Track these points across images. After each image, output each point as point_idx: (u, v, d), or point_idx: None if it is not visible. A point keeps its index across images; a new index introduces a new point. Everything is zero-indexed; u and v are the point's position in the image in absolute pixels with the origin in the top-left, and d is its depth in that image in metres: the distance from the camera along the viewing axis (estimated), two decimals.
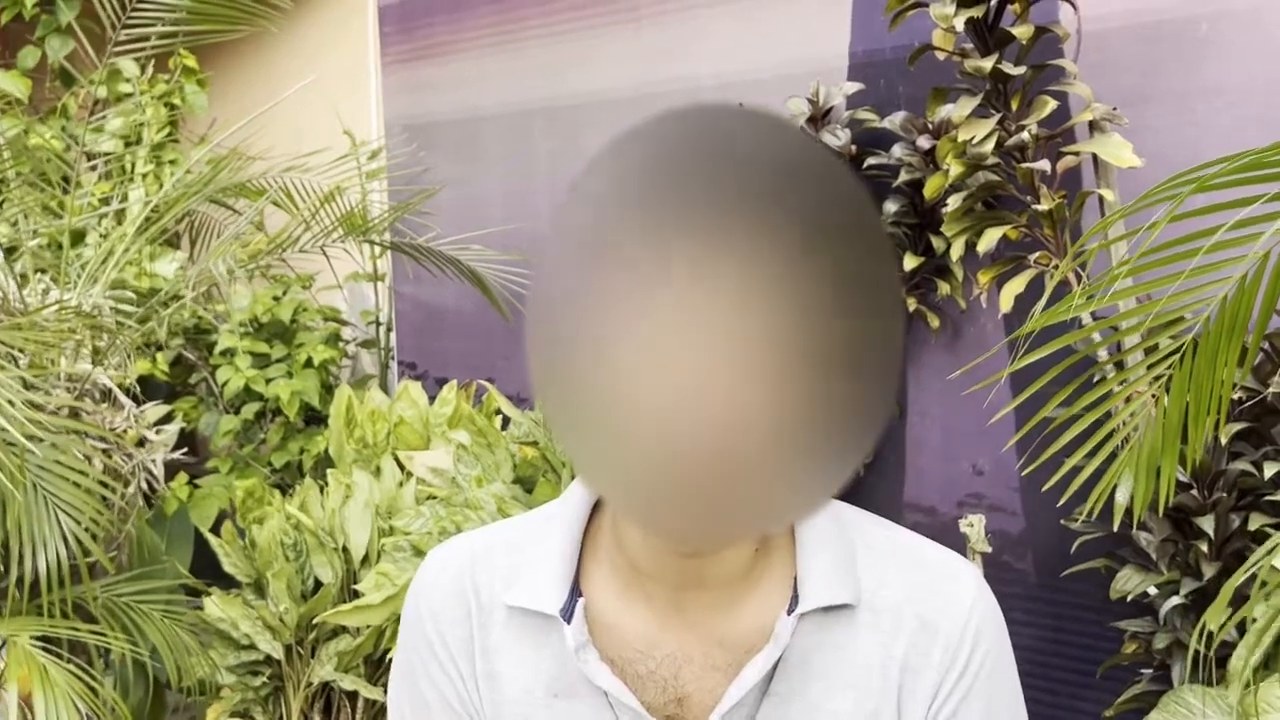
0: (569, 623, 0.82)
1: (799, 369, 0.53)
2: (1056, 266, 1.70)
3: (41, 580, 1.83)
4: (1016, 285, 1.72)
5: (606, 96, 2.81)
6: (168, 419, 3.49)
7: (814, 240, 0.53)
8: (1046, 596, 2.13)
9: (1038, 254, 1.74)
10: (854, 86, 2.17)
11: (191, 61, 3.78)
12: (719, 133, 0.55)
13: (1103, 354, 1.69)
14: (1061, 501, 1.61)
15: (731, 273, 0.52)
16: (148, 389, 3.69)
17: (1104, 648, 2.00)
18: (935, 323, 2.15)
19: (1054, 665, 2.08)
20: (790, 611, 0.80)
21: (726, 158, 0.54)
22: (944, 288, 2.10)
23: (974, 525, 1.90)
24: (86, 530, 1.89)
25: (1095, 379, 1.69)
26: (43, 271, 2.51)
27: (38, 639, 1.84)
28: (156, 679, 2.49)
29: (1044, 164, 1.66)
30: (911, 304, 2.13)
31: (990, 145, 1.69)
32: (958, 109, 1.73)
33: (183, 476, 3.26)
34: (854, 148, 2.13)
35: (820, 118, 2.16)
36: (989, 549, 1.91)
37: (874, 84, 2.23)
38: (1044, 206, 1.69)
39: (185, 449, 3.64)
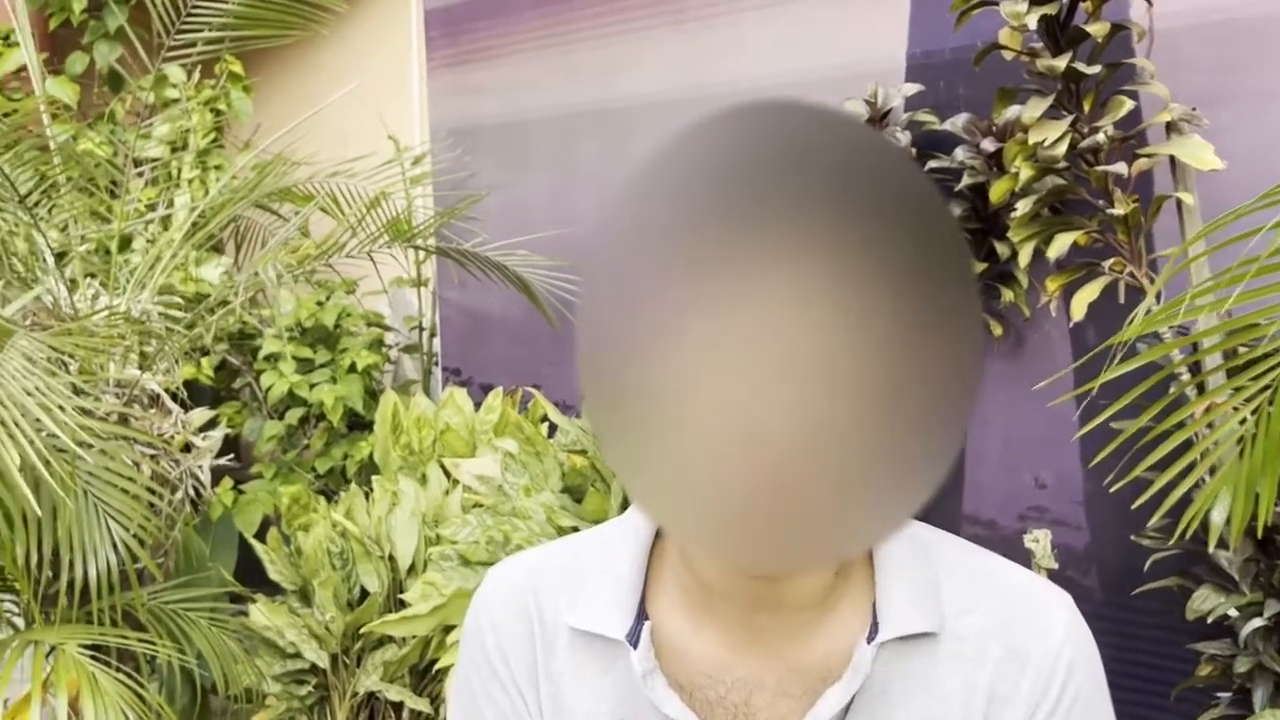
0: (635, 647, 0.79)
1: (878, 382, 0.50)
2: (1131, 274, 1.63)
3: (91, 587, 1.81)
4: (1089, 293, 1.66)
5: (654, 99, 2.77)
6: (212, 424, 3.49)
7: (893, 245, 0.50)
8: (1114, 615, 2.06)
9: (1111, 260, 1.68)
10: (913, 88, 2.11)
11: (237, 67, 3.78)
12: (791, 130, 0.51)
13: (1180, 363, 1.62)
14: (1138, 507, 1.54)
15: (808, 279, 0.49)
16: (193, 394, 3.70)
17: (1176, 669, 1.93)
18: (998, 330, 2.09)
19: (1123, 686, 2.01)
20: (870, 639, 0.76)
21: (801, 157, 0.51)
22: (1007, 294, 2.03)
23: (1039, 541, 1.83)
24: (135, 537, 1.87)
25: (1171, 390, 1.62)
26: (92, 276, 2.51)
27: (86, 646, 1.83)
28: (202, 686, 2.47)
29: (1120, 167, 1.60)
30: None
31: (1063, 148, 1.63)
32: (1028, 110, 1.67)
33: (227, 482, 3.25)
34: (914, 150, 2.07)
35: (879, 119, 2.10)
36: (1055, 565, 1.84)
37: (933, 85, 2.17)
38: (1119, 211, 1.62)
39: (230, 454, 3.65)
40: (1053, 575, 2.05)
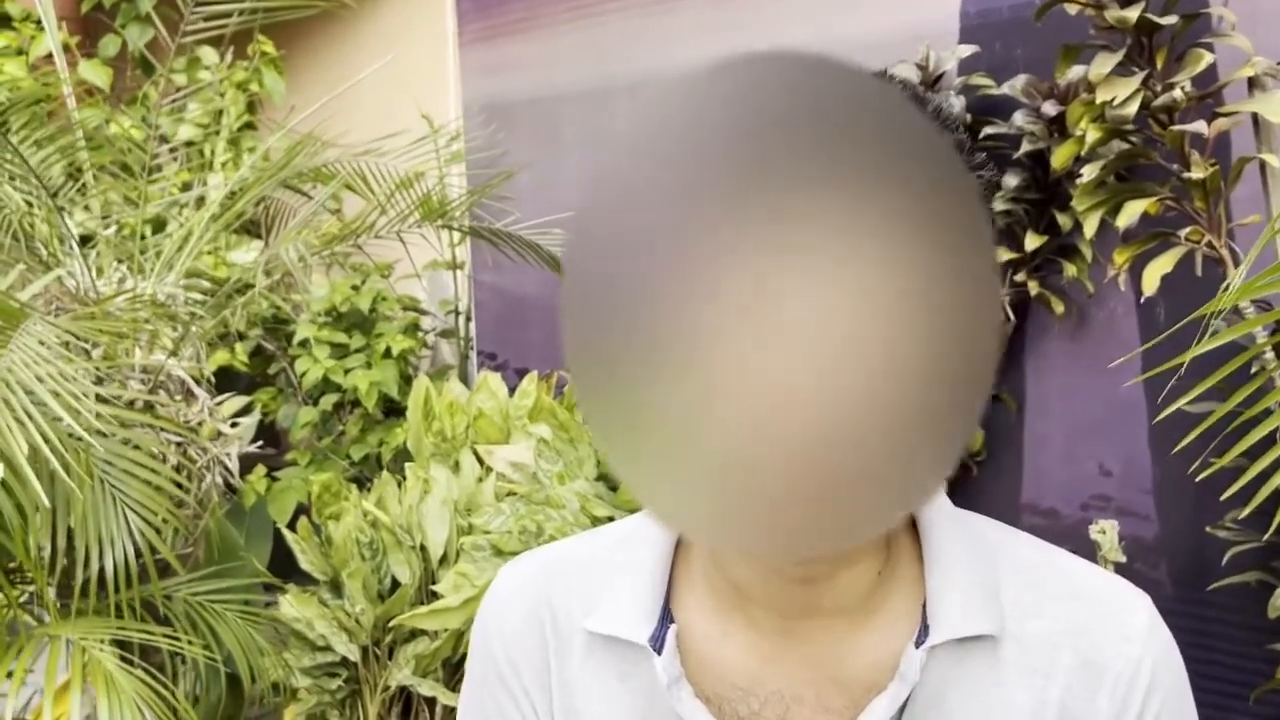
0: (659, 653, 0.72)
1: (896, 349, 0.46)
2: (1210, 244, 1.50)
3: (109, 580, 1.75)
4: (1163, 265, 1.53)
5: None
6: (247, 410, 3.45)
7: (906, 201, 0.46)
8: (1187, 611, 1.92)
9: (1187, 230, 1.54)
10: (968, 49, 1.98)
11: (269, 47, 3.72)
12: (788, 82, 0.47)
13: (1262, 336, 1.49)
14: (1217, 497, 1.42)
15: (818, 241, 0.45)
16: (228, 380, 3.66)
17: (1255, 669, 1.80)
18: (1059, 308, 1.96)
19: (1197, 688, 1.87)
20: (920, 644, 0.69)
21: (801, 110, 0.46)
22: (1069, 269, 1.90)
23: (1105, 532, 1.71)
24: (154, 528, 1.81)
25: (1253, 370, 1.49)
26: (120, 261, 2.45)
27: (108, 641, 1.77)
28: (235, 675, 2.42)
29: (1199, 126, 1.46)
30: (1034, 288, 1.94)
31: (1134, 107, 1.50)
32: (1095, 67, 1.54)
33: (260, 469, 3.20)
34: (969, 116, 1.94)
35: (931, 84, 1.97)
36: (1123, 558, 1.72)
37: (989, 46, 2.04)
38: (1196, 175, 1.49)
39: (263, 441, 3.60)
40: (1120, 569, 1.92)
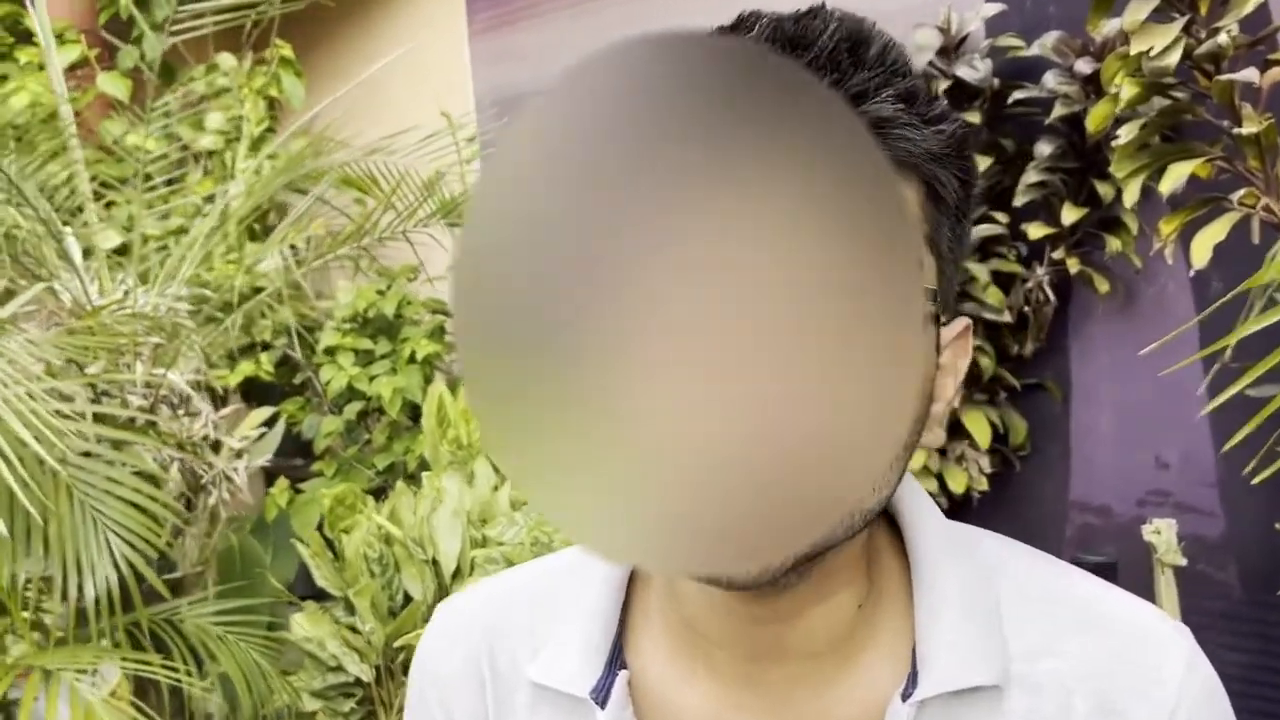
0: (603, 706, 0.63)
1: (812, 339, 0.43)
2: (1267, 208, 1.33)
3: (91, 607, 1.67)
4: (1214, 233, 1.36)
5: None
6: (272, 421, 3.39)
7: (807, 183, 0.43)
8: (1254, 615, 1.74)
9: (1241, 193, 1.37)
10: (994, 8, 1.82)
11: (288, 51, 3.66)
12: (688, 66, 0.43)
13: None
14: None
15: (721, 229, 0.43)
16: (255, 391, 3.60)
17: None
18: (1104, 286, 1.79)
19: (1264, 697, 1.69)
20: (907, 696, 0.59)
21: (688, 92, 0.43)
22: (1113, 243, 1.73)
23: (1161, 532, 1.54)
24: (145, 553, 1.72)
25: None
26: (120, 272, 2.38)
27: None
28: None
29: (1249, 74, 1.29)
30: (1074, 265, 1.78)
31: (1175, 56, 1.33)
32: (1130, 14, 1.37)
33: (283, 482, 3.13)
34: (996, 81, 1.78)
35: (953, 48, 1.82)
36: (1182, 561, 1.55)
37: (1018, 5, 1.87)
38: (1249, 130, 1.32)
39: (292, 453, 3.54)
40: (1182, 572, 1.74)
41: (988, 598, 0.62)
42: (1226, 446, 1.37)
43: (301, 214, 2.34)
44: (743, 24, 0.62)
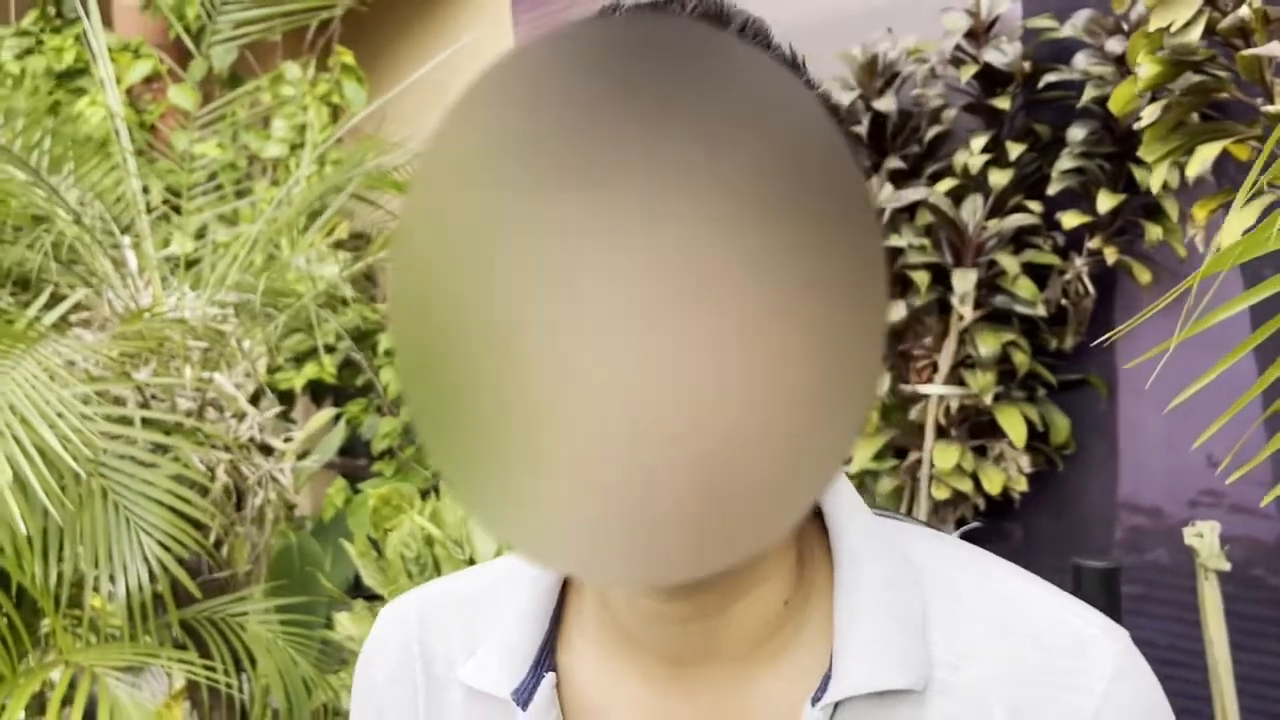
0: (524, 708, 0.62)
1: (763, 342, 0.41)
2: None
3: (122, 606, 1.72)
4: (1245, 218, 1.27)
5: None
6: (334, 423, 3.45)
7: (763, 173, 0.41)
8: None
9: (1270, 172, 1.28)
10: None
11: (349, 58, 3.73)
12: (649, 44, 0.42)
13: None
14: None
15: (675, 231, 0.41)
16: (318, 393, 3.68)
17: None
18: (1146, 277, 1.70)
19: None
20: (817, 700, 0.57)
21: (662, 74, 0.41)
22: (1153, 231, 1.65)
23: (1204, 535, 1.45)
24: (175, 553, 1.76)
25: None
26: (173, 275, 2.45)
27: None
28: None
29: (1275, 48, 1.21)
30: (1112, 255, 1.69)
31: (1197, 32, 1.25)
32: None
33: (340, 482, 3.19)
34: (1027, 65, 1.71)
35: (983, 32, 1.75)
36: (1226, 566, 1.46)
37: None
38: (1277, 107, 1.24)
39: (355, 454, 3.60)
40: (1233, 577, 1.65)
41: (913, 600, 0.59)
42: (1271, 447, 1.29)
43: (332, 213, 2.35)
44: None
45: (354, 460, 3.60)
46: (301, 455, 2.74)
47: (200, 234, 3.02)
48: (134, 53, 3.85)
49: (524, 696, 0.62)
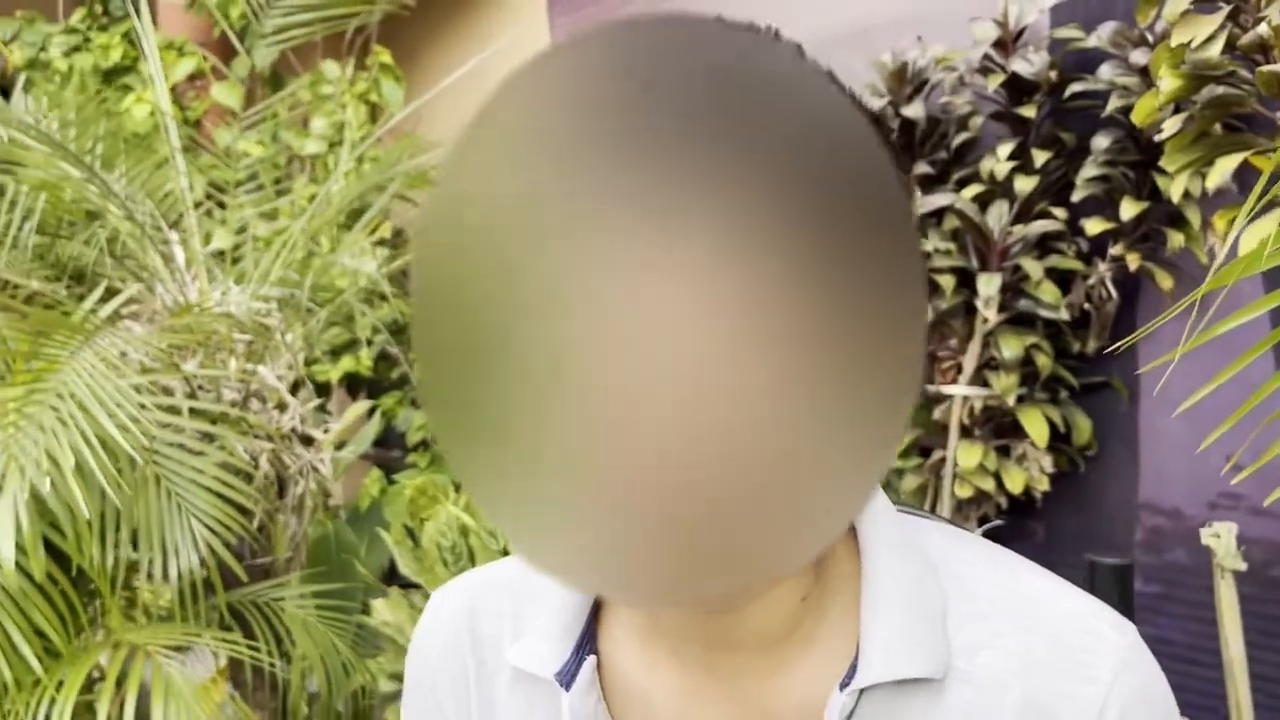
0: (567, 689, 0.65)
1: (794, 366, 0.40)
2: None
3: (174, 588, 1.79)
4: (1263, 228, 1.31)
5: None
6: (370, 415, 3.53)
7: (804, 189, 0.39)
8: None
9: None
10: None
11: (387, 58, 3.80)
12: (685, 51, 0.40)
13: None
14: None
15: (699, 243, 0.39)
16: (355, 386, 3.76)
17: None
18: (1168, 283, 1.74)
19: None
20: (845, 686, 0.60)
21: (698, 83, 0.40)
22: (1175, 238, 1.68)
23: (1220, 536, 1.49)
24: (224, 539, 1.83)
25: None
26: (216, 274, 2.53)
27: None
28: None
29: None
30: (1134, 261, 1.73)
31: (1218, 47, 1.29)
32: (1172, 3, 1.34)
33: (375, 473, 3.26)
34: (1054, 75, 1.75)
35: (1011, 42, 1.79)
36: (1242, 566, 1.50)
37: None
38: None
39: (391, 445, 3.67)
40: (1251, 577, 1.68)
41: (934, 594, 0.62)
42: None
43: (376, 212, 2.42)
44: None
45: (388, 451, 3.68)
46: (338, 446, 2.82)
47: (241, 229, 3.10)
48: (178, 50, 3.94)
49: (567, 678, 0.65)
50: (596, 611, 0.70)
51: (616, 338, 0.40)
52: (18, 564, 1.51)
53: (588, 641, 0.68)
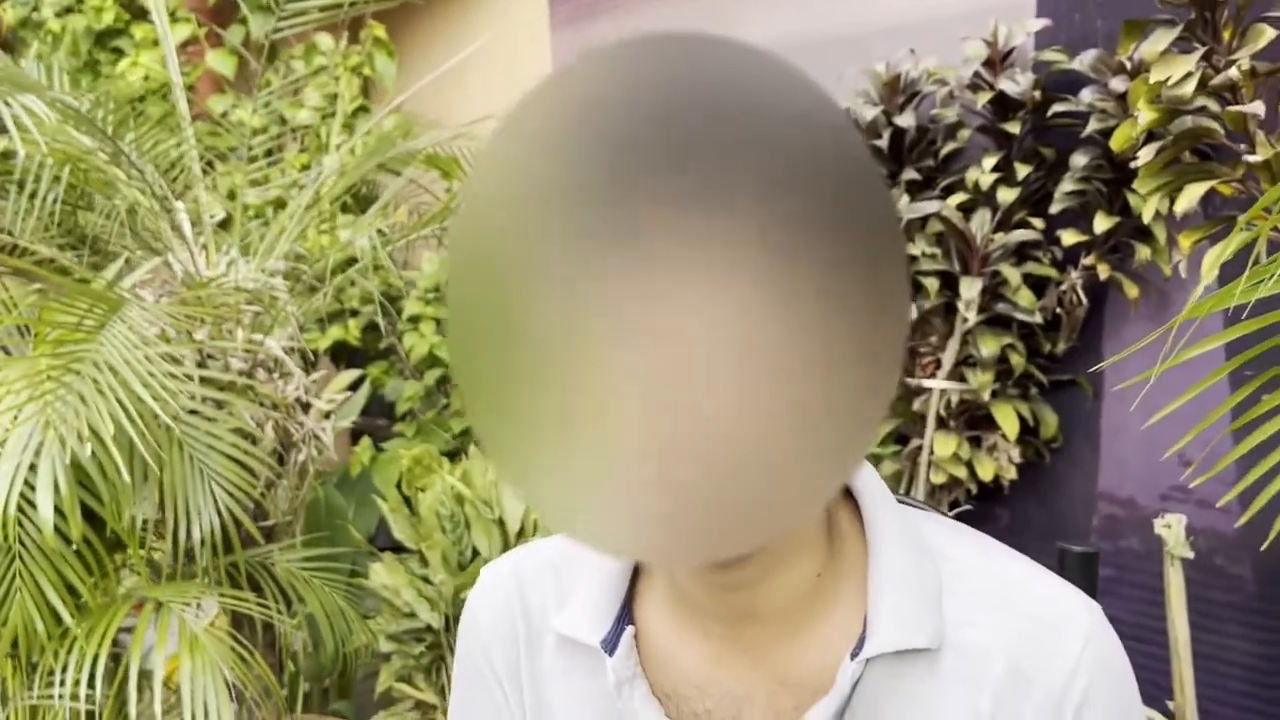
0: (611, 655, 0.73)
1: (792, 353, 0.46)
2: (1277, 229, 1.41)
3: (197, 548, 1.89)
4: (1221, 251, 1.45)
5: (778, 48, 2.62)
6: (358, 384, 3.61)
7: (805, 194, 0.45)
8: (1268, 609, 1.84)
9: (1249, 213, 1.46)
10: (1040, 23, 1.91)
11: (381, 32, 3.84)
12: (693, 71, 0.46)
13: None
14: None
15: (708, 242, 0.45)
16: (342, 355, 3.83)
17: None
18: (1134, 292, 1.88)
19: (1275, 685, 1.79)
20: (855, 654, 0.68)
21: (689, 98, 0.45)
22: (1143, 252, 1.83)
23: (1172, 526, 1.64)
24: (242, 502, 1.93)
25: None
26: (225, 245, 2.60)
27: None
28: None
29: (1258, 107, 1.38)
30: (1105, 271, 1.87)
31: (1191, 86, 1.42)
32: (1151, 43, 1.47)
33: (366, 440, 3.35)
34: (1038, 94, 1.87)
35: (999, 61, 1.91)
36: (1190, 554, 1.65)
37: (1067, 20, 1.96)
38: (1259, 157, 1.41)
39: (377, 414, 3.76)
40: (1198, 564, 1.84)
41: (931, 576, 0.71)
42: (1236, 452, 1.46)
43: (392, 196, 2.50)
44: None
45: (373, 420, 3.76)
46: (326, 414, 2.91)
47: (231, 195, 3.15)
48: (171, 16, 3.96)
49: (610, 645, 0.73)
50: (632, 589, 0.77)
51: (634, 334, 0.45)
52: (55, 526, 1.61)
53: (626, 614, 0.75)
